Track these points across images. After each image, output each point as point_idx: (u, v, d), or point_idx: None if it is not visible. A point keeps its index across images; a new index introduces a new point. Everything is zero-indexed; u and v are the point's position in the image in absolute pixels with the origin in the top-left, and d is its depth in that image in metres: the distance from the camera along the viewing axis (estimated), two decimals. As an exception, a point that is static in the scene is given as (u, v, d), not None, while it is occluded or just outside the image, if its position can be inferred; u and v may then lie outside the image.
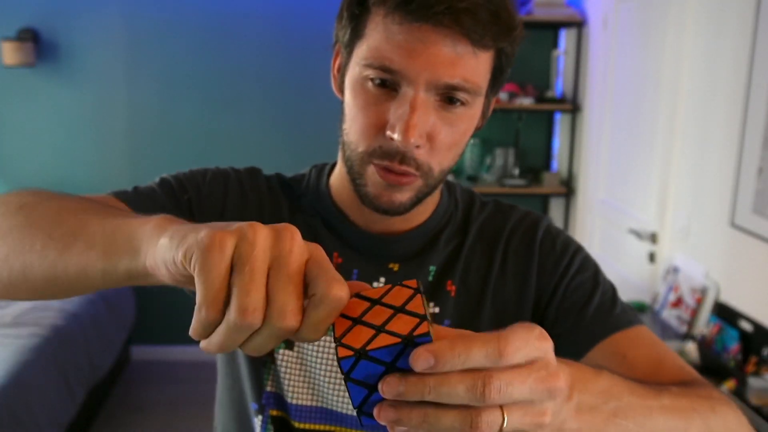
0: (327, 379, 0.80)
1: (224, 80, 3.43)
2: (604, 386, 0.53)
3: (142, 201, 0.76)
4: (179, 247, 0.41)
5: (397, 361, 0.39)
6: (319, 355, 0.80)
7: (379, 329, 0.40)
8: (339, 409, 0.80)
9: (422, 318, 0.40)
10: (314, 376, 0.80)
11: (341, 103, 0.76)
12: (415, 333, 0.39)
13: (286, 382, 0.81)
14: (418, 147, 0.69)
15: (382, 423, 0.39)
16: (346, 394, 0.80)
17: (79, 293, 0.57)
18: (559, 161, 3.58)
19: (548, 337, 0.41)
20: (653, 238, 2.55)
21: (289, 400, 0.81)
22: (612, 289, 0.82)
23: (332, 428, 0.81)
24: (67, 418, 2.54)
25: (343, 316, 0.41)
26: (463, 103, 0.70)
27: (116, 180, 3.49)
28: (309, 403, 0.81)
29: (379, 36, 0.68)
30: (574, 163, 3.38)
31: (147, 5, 3.34)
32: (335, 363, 0.80)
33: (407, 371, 0.38)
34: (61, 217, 0.56)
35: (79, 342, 2.79)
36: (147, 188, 0.80)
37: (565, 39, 3.43)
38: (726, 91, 2.10)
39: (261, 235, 0.40)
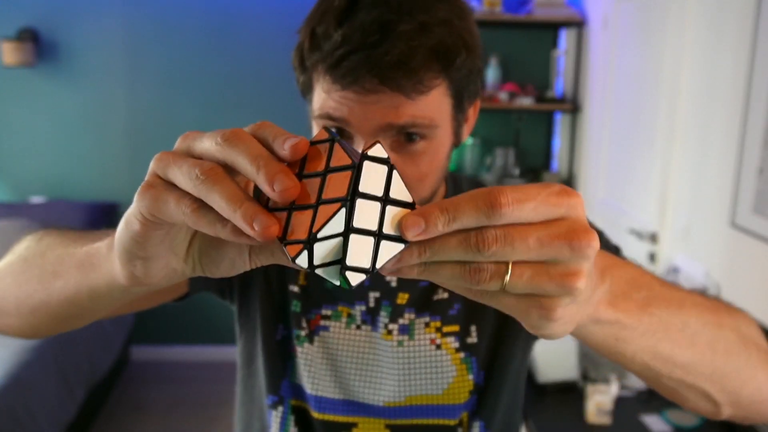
0: (352, 369, 0.81)
1: (224, 80, 3.43)
2: (633, 274, 0.52)
3: None
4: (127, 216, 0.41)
5: (350, 224, 0.34)
6: (344, 345, 0.81)
7: (316, 205, 0.35)
8: (364, 400, 0.81)
9: (350, 166, 0.35)
10: (339, 367, 0.81)
11: None
12: (354, 188, 0.34)
13: (306, 374, 0.82)
14: None
15: (386, 274, 0.37)
16: (373, 383, 0.81)
17: (92, 315, 0.62)
18: (559, 161, 3.58)
19: (574, 193, 0.36)
20: (653, 238, 2.55)
21: (309, 391, 0.82)
22: (615, 249, 0.83)
23: (355, 419, 0.82)
24: (67, 418, 2.54)
25: (273, 210, 0.37)
26: (422, 137, 0.68)
27: (116, 180, 3.49)
28: (332, 395, 0.82)
29: (322, 94, 0.68)
30: (574, 163, 3.38)
31: (147, 5, 3.34)
32: (360, 352, 0.81)
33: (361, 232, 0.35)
34: (44, 258, 0.60)
35: (79, 342, 2.79)
36: None
37: (565, 39, 3.43)
38: (726, 90, 2.10)
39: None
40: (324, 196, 0.35)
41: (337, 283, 0.36)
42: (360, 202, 0.35)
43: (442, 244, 0.35)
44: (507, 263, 0.35)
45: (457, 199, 0.35)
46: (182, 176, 0.37)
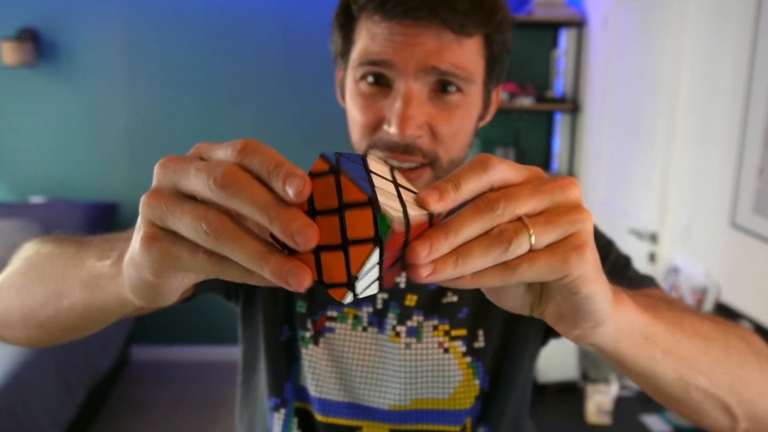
0: (358, 371, 0.80)
1: (224, 80, 3.43)
2: (624, 286, 0.53)
3: None
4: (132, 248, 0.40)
5: (382, 258, 0.35)
6: (349, 347, 0.81)
7: (344, 246, 0.35)
8: (369, 403, 0.81)
9: (368, 202, 0.34)
10: (344, 369, 0.81)
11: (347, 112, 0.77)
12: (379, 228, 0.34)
13: (310, 376, 0.81)
14: (419, 137, 0.70)
15: (420, 281, 0.38)
16: (379, 385, 0.81)
17: (103, 324, 0.63)
18: (559, 161, 3.58)
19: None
20: (653, 238, 2.55)
21: (313, 393, 0.81)
22: (626, 258, 0.84)
23: (359, 423, 0.81)
24: (67, 418, 2.54)
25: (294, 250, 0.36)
26: (458, 89, 0.71)
27: (116, 180, 3.50)
28: (336, 398, 0.81)
29: (366, 39, 0.70)
30: (574, 163, 3.38)
31: (147, 5, 3.34)
32: (366, 354, 0.81)
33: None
34: (46, 274, 0.60)
35: (79, 342, 2.79)
36: None
37: (565, 39, 3.43)
38: (726, 90, 2.10)
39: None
40: (350, 236, 0.34)
41: (376, 291, 0.38)
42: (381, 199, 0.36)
43: (460, 219, 0.38)
44: (522, 220, 0.38)
45: (455, 171, 0.39)
46: (187, 230, 0.36)
